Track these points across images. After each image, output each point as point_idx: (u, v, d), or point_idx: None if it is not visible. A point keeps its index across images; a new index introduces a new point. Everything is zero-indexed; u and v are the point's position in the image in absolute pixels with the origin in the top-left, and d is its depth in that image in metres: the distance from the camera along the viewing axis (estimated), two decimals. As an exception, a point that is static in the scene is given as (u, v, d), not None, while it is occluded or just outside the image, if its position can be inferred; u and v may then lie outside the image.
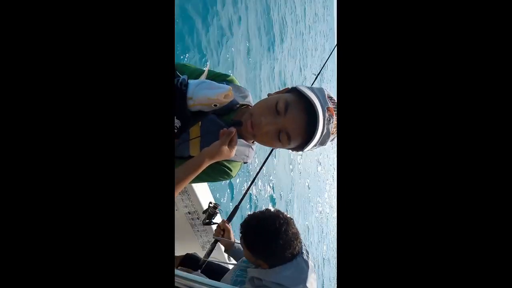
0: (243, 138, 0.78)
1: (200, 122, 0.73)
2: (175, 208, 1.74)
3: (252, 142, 0.82)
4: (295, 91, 0.69)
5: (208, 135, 0.73)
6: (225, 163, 0.77)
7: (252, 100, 0.83)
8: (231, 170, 0.79)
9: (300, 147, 0.70)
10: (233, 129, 0.66)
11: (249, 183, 1.61)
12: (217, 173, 0.78)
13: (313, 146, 0.67)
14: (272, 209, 1.02)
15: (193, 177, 0.67)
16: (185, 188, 1.58)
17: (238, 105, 0.79)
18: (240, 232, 1.00)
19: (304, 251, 0.95)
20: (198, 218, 1.69)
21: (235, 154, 0.75)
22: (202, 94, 0.60)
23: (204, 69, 0.77)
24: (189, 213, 1.71)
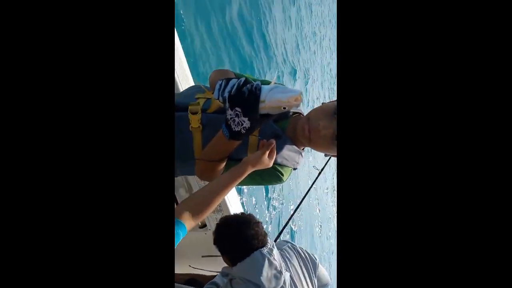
0: (296, 144, 0.83)
1: None
2: (208, 228, 1.78)
3: (302, 149, 0.86)
4: None
5: (266, 137, 0.78)
6: (278, 167, 0.82)
7: (303, 109, 0.89)
8: (282, 175, 0.84)
9: None
10: (272, 141, 0.73)
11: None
12: (271, 176, 0.83)
13: None
14: (245, 214, 1.18)
15: (236, 183, 0.72)
16: (219, 206, 1.63)
17: (291, 113, 0.85)
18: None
19: (267, 249, 1.05)
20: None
21: (287, 160, 0.82)
22: (275, 97, 0.65)
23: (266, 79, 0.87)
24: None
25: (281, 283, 1.01)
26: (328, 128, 0.72)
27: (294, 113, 0.87)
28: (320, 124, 0.73)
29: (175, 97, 0.89)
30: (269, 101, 0.64)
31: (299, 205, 1.49)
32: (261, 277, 0.99)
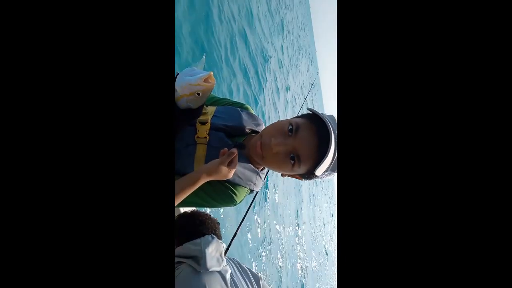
0: (252, 163, 0.76)
1: (208, 138, 0.73)
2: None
3: (261, 170, 0.79)
4: (306, 116, 0.70)
5: (214, 153, 0.71)
6: (230, 186, 0.73)
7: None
8: (236, 195, 0.75)
9: (311, 172, 0.67)
10: (234, 150, 0.66)
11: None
12: (221, 195, 0.74)
13: (324, 171, 0.65)
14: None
15: (188, 193, 0.65)
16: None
17: (249, 131, 0.80)
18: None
19: (211, 237, 1.07)
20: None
21: (240, 178, 0.74)
22: (184, 81, 0.57)
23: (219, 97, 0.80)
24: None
25: (219, 268, 1.00)
26: (280, 145, 0.65)
27: (254, 131, 0.81)
28: (272, 140, 0.65)
29: None
30: (180, 87, 0.57)
31: (239, 227, 1.51)
32: (206, 249, 0.98)
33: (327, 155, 0.61)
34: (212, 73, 0.57)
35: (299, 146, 0.64)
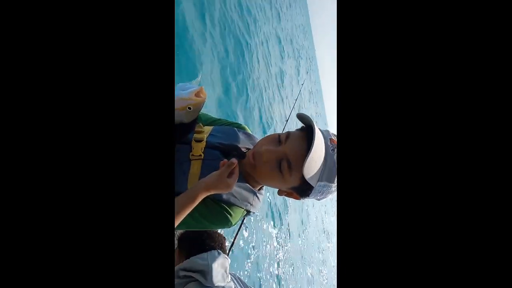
0: (248, 182, 0.75)
1: (202, 156, 0.73)
2: None
3: (259, 190, 0.78)
4: (298, 129, 0.71)
5: (209, 171, 0.69)
6: (225, 206, 0.72)
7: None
8: (231, 216, 0.72)
9: (303, 180, 0.64)
10: (234, 160, 0.64)
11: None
12: (215, 216, 0.72)
13: (318, 181, 0.63)
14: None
15: (188, 210, 0.63)
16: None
17: (245, 150, 0.80)
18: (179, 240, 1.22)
19: (217, 253, 1.10)
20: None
21: (236, 198, 0.72)
22: (176, 95, 0.59)
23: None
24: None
25: (224, 284, 1.04)
26: (271, 152, 0.65)
27: (247, 149, 0.81)
28: (263, 148, 0.66)
29: None
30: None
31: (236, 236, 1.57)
32: (213, 264, 1.02)
33: (312, 147, 0.59)
34: (203, 87, 0.59)
35: (288, 150, 0.64)
